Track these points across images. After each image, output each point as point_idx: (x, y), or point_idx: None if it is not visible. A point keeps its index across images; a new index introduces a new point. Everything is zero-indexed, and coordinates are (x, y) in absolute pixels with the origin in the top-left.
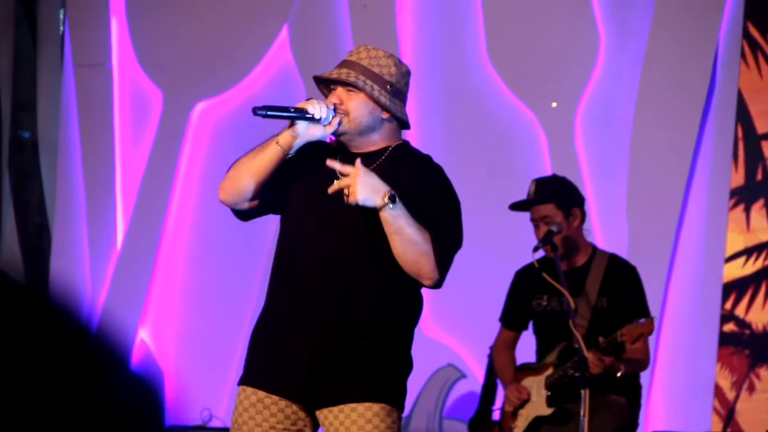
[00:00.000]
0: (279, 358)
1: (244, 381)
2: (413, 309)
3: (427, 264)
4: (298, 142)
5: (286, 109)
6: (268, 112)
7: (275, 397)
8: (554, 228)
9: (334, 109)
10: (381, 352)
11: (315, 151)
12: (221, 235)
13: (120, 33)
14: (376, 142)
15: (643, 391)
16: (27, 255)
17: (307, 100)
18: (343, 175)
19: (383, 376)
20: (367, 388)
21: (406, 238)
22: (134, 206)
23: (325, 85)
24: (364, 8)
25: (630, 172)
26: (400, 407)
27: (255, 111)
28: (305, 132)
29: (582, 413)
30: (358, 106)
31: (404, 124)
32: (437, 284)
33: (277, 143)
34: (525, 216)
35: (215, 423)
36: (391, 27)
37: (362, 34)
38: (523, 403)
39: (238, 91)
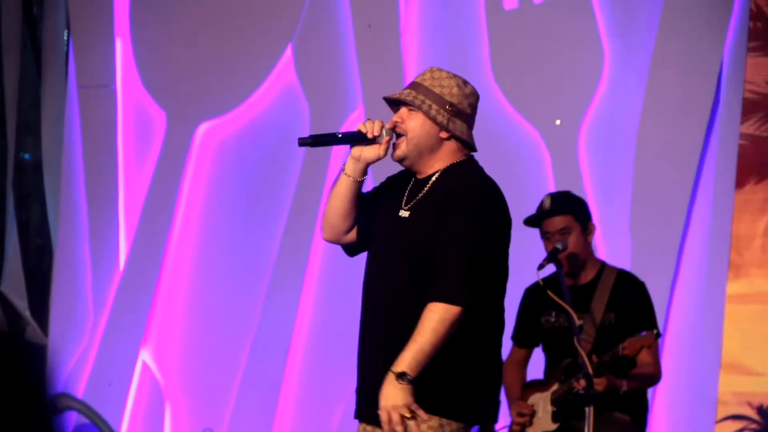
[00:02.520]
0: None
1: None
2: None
3: (453, 325)
4: (361, 166)
5: (332, 135)
6: (314, 141)
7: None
8: (559, 246)
9: (393, 129)
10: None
11: (395, 179)
12: (224, 256)
13: (124, 54)
14: (433, 164)
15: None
16: (29, 276)
17: (366, 121)
18: None
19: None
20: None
21: (436, 348)
22: (137, 227)
23: (393, 106)
24: (369, 27)
25: (633, 189)
26: (461, 419)
27: (301, 142)
28: (361, 154)
29: (586, 430)
30: (416, 126)
31: (468, 146)
32: (466, 308)
33: (345, 173)
34: (534, 233)
35: None
36: (396, 46)
37: (367, 54)
38: (531, 418)
39: (242, 111)
